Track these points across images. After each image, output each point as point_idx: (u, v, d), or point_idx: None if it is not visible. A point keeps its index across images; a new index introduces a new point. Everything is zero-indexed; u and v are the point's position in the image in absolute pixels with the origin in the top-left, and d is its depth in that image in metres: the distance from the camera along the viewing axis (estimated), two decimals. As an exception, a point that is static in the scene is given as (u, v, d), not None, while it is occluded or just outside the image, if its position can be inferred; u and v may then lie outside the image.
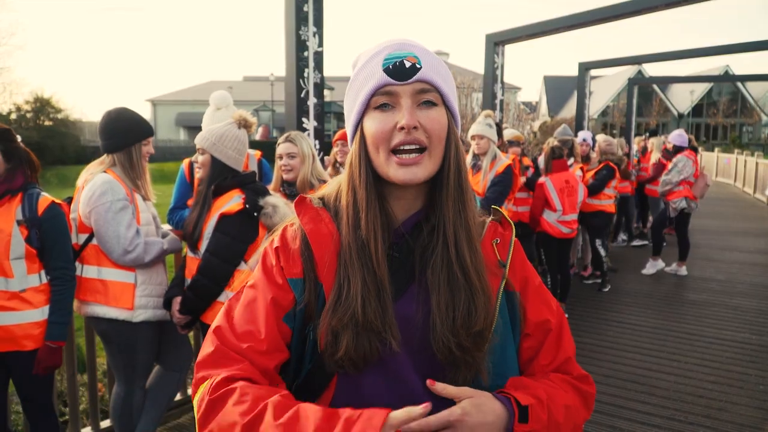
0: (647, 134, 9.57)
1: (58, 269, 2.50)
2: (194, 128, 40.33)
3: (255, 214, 2.55)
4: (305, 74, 3.78)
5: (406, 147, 0.97)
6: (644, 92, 42.79)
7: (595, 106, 42.28)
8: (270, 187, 3.12)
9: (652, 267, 7.36)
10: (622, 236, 9.11)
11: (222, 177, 2.62)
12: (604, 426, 3.44)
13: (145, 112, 45.18)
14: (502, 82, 7.13)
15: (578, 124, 10.09)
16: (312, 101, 3.84)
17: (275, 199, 2.65)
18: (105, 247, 2.59)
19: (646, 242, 9.00)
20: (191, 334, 3.38)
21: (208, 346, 1.01)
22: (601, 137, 6.87)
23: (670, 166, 7.10)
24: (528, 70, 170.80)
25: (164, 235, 2.93)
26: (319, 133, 3.90)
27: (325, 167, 4.02)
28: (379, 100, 0.98)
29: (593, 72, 10.60)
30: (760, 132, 48.02)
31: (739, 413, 3.60)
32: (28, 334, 2.42)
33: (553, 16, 6.80)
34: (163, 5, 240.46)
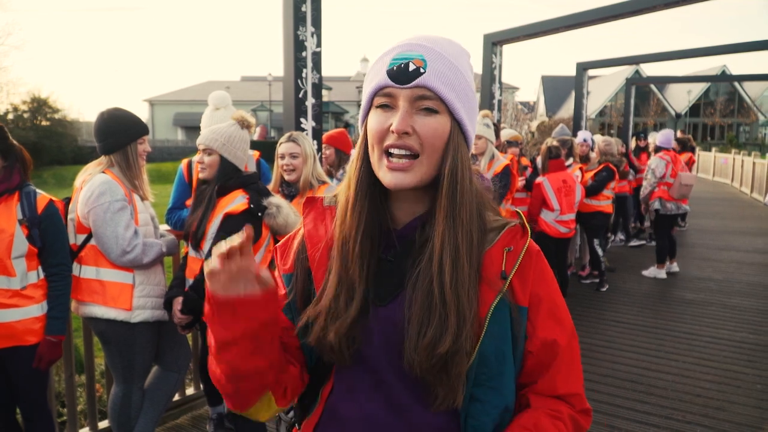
0: (642, 135, 9.57)
1: (57, 266, 2.52)
2: (192, 128, 40.36)
3: (259, 214, 2.56)
4: (303, 74, 3.78)
5: (397, 152, 0.95)
6: (642, 92, 42.83)
7: (592, 106, 42.31)
8: (269, 187, 3.12)
9: (654, 272, 7.25)
10: (620, 236, 9.12)
11: (227, 177, 2.64)
12: (602, 425, 3.45)
13: (143, 112, 45.14)
14: (500, 82, 7.14)
15: (576, 124, 10.11)
16: (310, 101, 3.84)
17: (278, 200, 2.66)
18: (103, 248, 2.59)
19: (644, 242, 9.02)
20: (190, 334, 3.38)
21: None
22: (600, 138, 6.87)
23: (646, 168, 7.10)
24: (526, 70, 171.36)
25: (162, 236, 2.93)
26: (318, 134, 3.91)
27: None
28: (380, 100, 0.98)
29: (591, 72, 10.62)
30: (756, 132, 48.08)
31: (737, 412, 3.61)
32: (28, 329, 2.44)
33: (550, 16, 6.81)
34: (161, 5, 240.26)
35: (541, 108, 49.37)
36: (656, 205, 7.00)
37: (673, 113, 46.58)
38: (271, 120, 37.91)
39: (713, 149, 24.24)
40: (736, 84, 45.46)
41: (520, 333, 1.01)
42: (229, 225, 2.53)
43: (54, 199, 2.56)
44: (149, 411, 2.87)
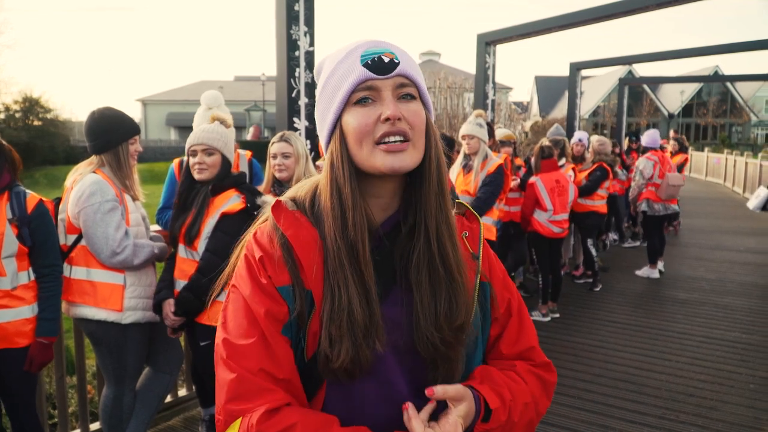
0: (634, 138, 9.62)
1: (47, 267, 2.49)
2: (185, 128, 40.19)
3: (255, 213, 2.56)
4: (296, 74, 3.76)
5: (392, 138, 0.96)
6: (635, 92, 43.03)
7: (585, 106, 42.48)
8: (260, 187, 3.11)
9: (647, 272, 7.28)
10: (613, 236, 9.14)
11: (223, 177, 2.65)
12: (595, 425, 3.45)
13: (136, 112, 44.98)
14: (494, 82, 7.14)
15: (569, 124, 10.13)
16: (303, 101, 3.83)
17: (271, 200, 2.65)
18: (93, 249, 2.57)
19: (638, 243, 9.05)
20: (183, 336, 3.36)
21: (226, 373, 0.94)
22: (594, 138, 6.89)
23: (634, 169, 7.13)
24: (519, 70, 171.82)
25: (153, 239, 2.91)
26: (311, 133, 3.89)
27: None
28: (359, 95, 0.97)
29: (584, 72, 10.65)
30: (749, 132, 48.43)
31: (730, 412, 3.62)
32: (19, 330, 2.41)
33: (544, 16, 6.82)
34: (154, 5, 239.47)
35: (535, 108, 49.46)
36: (643, 206, 7.04)
37: (666, 113, 46.84)
38: (264, 120, 37.84)
39: (706, 149, 24.39)
40: (729, 84, 45.79)
41: (489, 306, 1.12)
42: (226, 224, 2.52)
43: (44, 199, 2.53)
44: (141, 413, 2.85)
